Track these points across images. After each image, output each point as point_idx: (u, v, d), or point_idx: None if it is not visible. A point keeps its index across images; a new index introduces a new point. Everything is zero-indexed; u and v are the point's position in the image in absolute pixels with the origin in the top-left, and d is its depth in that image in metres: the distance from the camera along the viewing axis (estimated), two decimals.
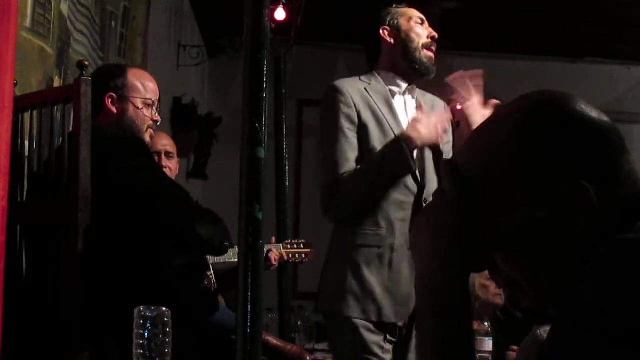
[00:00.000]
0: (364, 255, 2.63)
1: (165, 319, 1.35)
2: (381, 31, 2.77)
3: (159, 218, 2.34)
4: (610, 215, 0.97)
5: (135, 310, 1.36)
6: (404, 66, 2.76)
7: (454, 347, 0.99)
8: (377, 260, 2.63)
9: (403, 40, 2.75)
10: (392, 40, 2.76)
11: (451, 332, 0.99)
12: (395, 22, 2.78)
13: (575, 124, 1.01)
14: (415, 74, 2.77)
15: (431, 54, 2.76)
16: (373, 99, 2.71)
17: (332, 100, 2.69)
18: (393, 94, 2.76)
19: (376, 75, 2.79)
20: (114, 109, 2.49)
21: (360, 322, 2.62)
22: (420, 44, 2.74)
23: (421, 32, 2.77)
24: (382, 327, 2.63)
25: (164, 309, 1.36)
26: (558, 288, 0.99)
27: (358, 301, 2.61)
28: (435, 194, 1.06)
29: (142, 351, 1.35)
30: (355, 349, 2.62)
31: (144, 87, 2.53)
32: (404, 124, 2.71)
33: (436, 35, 2.78)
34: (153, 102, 2.54)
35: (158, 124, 2.62)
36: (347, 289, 2.62)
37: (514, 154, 1.00)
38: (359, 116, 2.66)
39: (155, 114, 2.56)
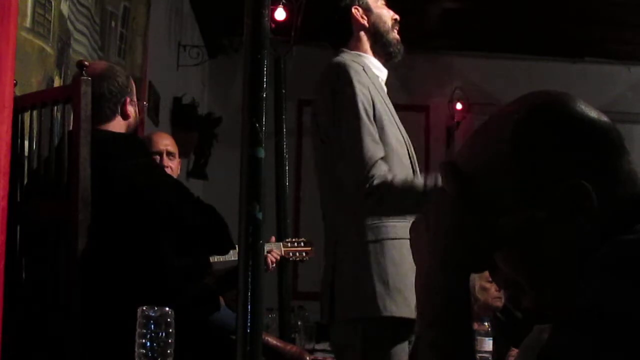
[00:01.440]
0: (398, 249, 2.40)
1: (168, 320, 1.35)
2: (353, 10, 2.61)
3: (160, 217, 2.34)
4: (610, 216, 0.97)
5: (139, 310, 1.36)
6: (378, 49, 2.62)
7: (453, 347, 0.99)
8: (408, 253, 2.38)
9: (374, 22, 2.61)
10: (365, 22, 2.61)
11: (451, 332, 0.99)
12: (364, 2, 2.63)
13: (575, 124, 1.01)
14: (387, 57, 2.64)
15: (398, 36, 2.64)
16: (373, 83, 2.51)
17: (346, 78, 2.42)
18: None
19: (361, 56, 2.59)
20: (132, 112, 2.51)
21: (403, 323, 2.38)
22: (390, 26, 2.63)
23: (387, 14, 2.65)
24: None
25: (167, 309, 1.36)
26: (558, 288, 0.99)
27: (405, 299, 2.37)
28: (435, 194, 1.06)
29: (144, 351, 1.35)
30: (397, 349, 2.39)
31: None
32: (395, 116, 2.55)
33: (398, 17, 2.66)
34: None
35: None
36: (391, 287, 2.37)
37: (513, 154, 1.00)
38: (372, 100, 2.45)
39: None
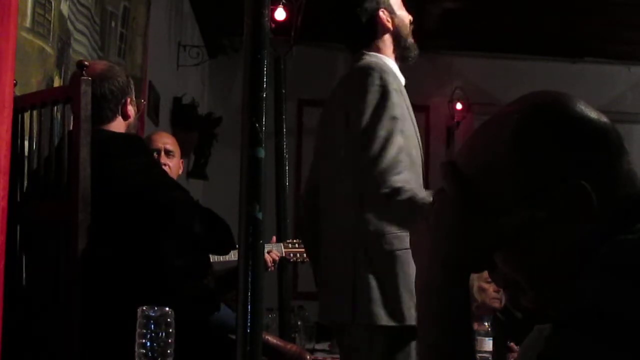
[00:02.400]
0: (406, 260, 2.40)
1: (168, 320, 1.35)
2: (380, 13, 2.58)
3: (159, 217, 2.34)
4: (610, 216, 0.97)
5: (139, 310, 1.36)
6: (398, 53, 2.61)
7: (453, 347, 0.99)
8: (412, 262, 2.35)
9: (398, 26, 2.60)
10: (390, 25, 2.59)
11: (451, 332, 0.99)
12: (388, 4, 2.60)
13: (574, 124, 1.01)
14: (403, 60, 2.62)
15: (413, 40, 2.63)
16: (400, 88, 2.51)
17: (384, 83, 2.42)
18: None
19: (384, 58, 2.57)
20: (132, 112, 2.50)
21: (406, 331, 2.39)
22: (409, 29, 2.62)
23: (407, 16, 2.63)
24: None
25: (167, 309, 1.36)
26: (558, 289, 0.99)
27: (404, 306, 2.40)
28: (435, 194, 1.06)
29: (144, 351, 1.35)
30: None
31: None
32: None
33: (412, 18, 2.64)
34: None
35: None
36: (388, 297, 2.39)
37: (513, 154, 1.00)
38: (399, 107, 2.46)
39: None
